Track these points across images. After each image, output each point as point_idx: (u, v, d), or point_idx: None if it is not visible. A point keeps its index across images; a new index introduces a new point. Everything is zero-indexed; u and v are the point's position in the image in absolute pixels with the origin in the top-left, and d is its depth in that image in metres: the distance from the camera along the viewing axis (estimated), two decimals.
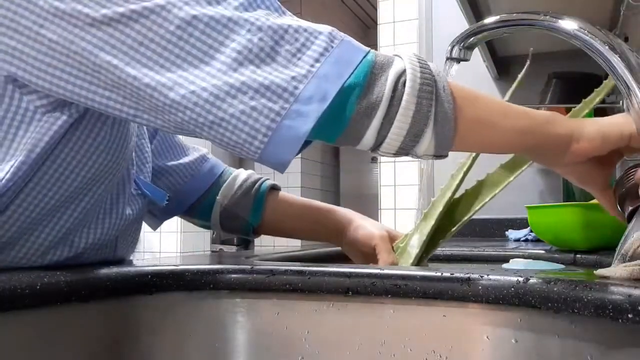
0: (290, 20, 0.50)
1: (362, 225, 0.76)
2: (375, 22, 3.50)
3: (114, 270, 0.51)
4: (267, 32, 0.48)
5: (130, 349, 0.52)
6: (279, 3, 0.52)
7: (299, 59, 0.48)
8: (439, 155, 0.51)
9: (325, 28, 0.51)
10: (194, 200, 0.81)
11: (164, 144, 0.81)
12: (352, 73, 0.49)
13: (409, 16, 2.22)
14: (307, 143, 0.49)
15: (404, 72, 0.49)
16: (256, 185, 0.82)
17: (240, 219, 0.80)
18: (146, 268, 0.53)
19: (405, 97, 0.48)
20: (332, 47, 0.50)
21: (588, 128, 0.54)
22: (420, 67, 0.50)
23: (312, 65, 0.48)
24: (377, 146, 0.50)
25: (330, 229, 0.78)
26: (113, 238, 0.64)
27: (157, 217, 0.82)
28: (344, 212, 0.80)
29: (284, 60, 0.48)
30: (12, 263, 0.55)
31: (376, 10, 2.32)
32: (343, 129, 0.49)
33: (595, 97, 0.67)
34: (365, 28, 5.15)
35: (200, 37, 0.47)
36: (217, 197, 0.81)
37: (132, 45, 0.47)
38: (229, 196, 0.80)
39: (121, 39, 0.47)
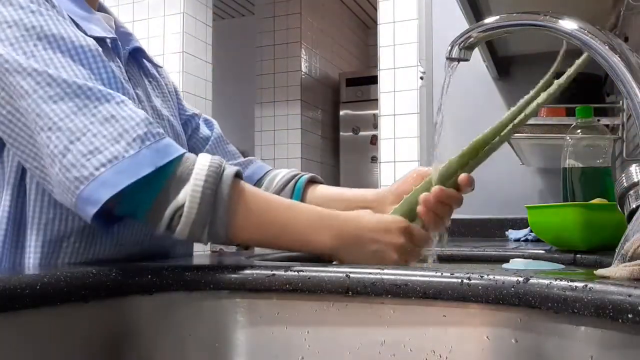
0: (102, 113, 0.57)
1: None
2: (375, 22, 3.50)
3: (114, 270, 0.51)
4: (65, 133, 0.56)
5: (130, 349, 0.52)
6: (103, 92, 0.59)
7: (88, 160, 0.55)
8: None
9: (137, 130, 0.57)
10: None
11: (216, 150, 0.90)
12: (136, 187, 0.55)
13: (409, 16, 2.22)
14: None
15: (182, 206, 0.57)
16: (295, 178, 0.87)
17: None
18: (146, 268, 0.53)
19: (179, 227, 0.58)
20: (125, 156, 0.55)
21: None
22: (201, 197, 0.57)
23: (96, 169, 0.55)
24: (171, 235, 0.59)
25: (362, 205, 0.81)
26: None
27: None
28: (373, 192, 0.83)
29: (73, 159, 0.55)
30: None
31: (376, 10, 2.32)
32: (139, 221, 0.61)
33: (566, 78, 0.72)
34: (365, 28, 5.15)
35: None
36: (262, 186, 0.86)
37: None
38: (270, 189, 0.85)
39: None
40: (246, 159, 0.93)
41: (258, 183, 0.87)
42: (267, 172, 0.90)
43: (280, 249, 0.67)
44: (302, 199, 0.84)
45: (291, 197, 0.84)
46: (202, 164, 0.59)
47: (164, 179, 0.57)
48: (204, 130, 0.92)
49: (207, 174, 0.58)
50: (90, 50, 0.62)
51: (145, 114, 0.59)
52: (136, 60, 0.81)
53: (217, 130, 0.93)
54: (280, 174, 0.88)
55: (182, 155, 0.58)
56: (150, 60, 0.84)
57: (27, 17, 0.59)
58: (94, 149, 0.55)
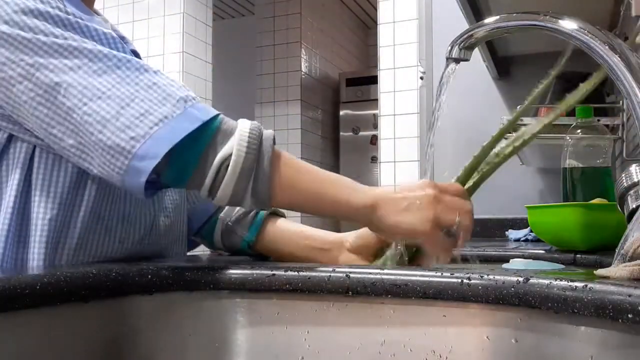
0: (144, 81, 0.60)
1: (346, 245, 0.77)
2: (375, 22, 3.50)
3: (114, 270, 0.51)
4: (115, 100, 0.58)
5: (130, 349, 0.52)
6: (140, 62, 0.62)
7: (141, 121, 0.57)
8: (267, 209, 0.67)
9: (178, 93, 0.60)
10: (203, 221, 0.84)
11: None
12: (185, 144, 0.58)
13: (409, 16, 2.22)
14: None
15: (229, 156, 0.59)
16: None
17: (237, 235, 0.82)
18: (146, 268, 0.53)
19: (225, 180, 0.59)
20: (174, 115, 0.58)
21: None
22: (247, 149, 0.59)
23: (151, 128, 0.57)
24: (212, 198, 0.61)
25: (323, 254, 0.78)
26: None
27: None
28: (334, 236, 0.80)
29: (127, 122, 0.57)
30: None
31: (376, 10, 2.32)
32: (183, 185, 0.62)
33: (583, 89, 0.70)
34: (365, 28, 5.15)
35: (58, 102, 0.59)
36: (220, 215, 0.84)
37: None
38: (231, 214, 0.84)
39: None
40: None
41: (218, 211, 0.84)
42: None
43: (318, 213, 0.66)
44: (261, 230, 0.81)
45: (249, 228, 0.81)
46: (243, 121, 0.62)
47: (210, 133, 0.60)
48: None
49: (251, 129, 0.60)
50: (113, 38, 0.65)
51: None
52: None
53: None
54: None
55: (221, 114, 0.62)
56: None
57: (52, 9, 0.62)
58: (145, 111, 0.58)
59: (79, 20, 0.63)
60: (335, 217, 0.68)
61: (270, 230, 0.81)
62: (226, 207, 0.85)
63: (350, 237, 0.75)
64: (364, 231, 0.73)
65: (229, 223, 0.82)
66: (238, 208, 0.84)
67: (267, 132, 0.62)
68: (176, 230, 0.77)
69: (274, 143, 0.63)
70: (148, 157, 0.56)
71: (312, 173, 0.65)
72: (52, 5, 0.62)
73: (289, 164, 0.63)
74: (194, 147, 0.59)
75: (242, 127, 0.61)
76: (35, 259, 0.62)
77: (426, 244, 0.63)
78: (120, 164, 0.57)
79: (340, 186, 0.64)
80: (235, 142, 0.59)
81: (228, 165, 0.59)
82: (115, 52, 0.61)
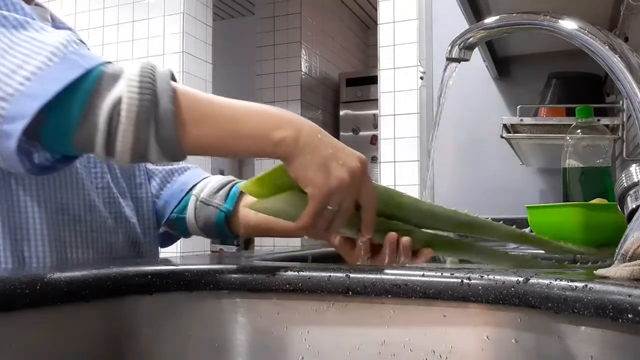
0: (20, 37, 0.52)
1: None
2: (375, 22, 3.50)
3: (114, 270, 0.51)
4: None
5: (130, 349, 0.52)
6: (14, 16, 0.54)
7: (10, 78, 0.50)
8: (177, 159, 0.56)
9: (55, 40, 0.52)
10: (174, 205, 0.83)
11: None
12: (62, 97, 0.49)
13: (409, 16, 2.22)
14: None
15: (119, 101, 0.50)
16: (231, 183, 0.83)
17: (213, 207, 0.80)
18: (146, 268, 0.53)
19: (121, 128, 0.51)
20: (49, 65, 0.50)
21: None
22: (140, 88, 0.51)
23: (21, 84, 0.49)
24: (111, 156, 0.53)
25: None
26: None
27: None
28: None
29: None
30: None
31: (376, 10, 2.32)
32: (69, 145, 0.52)
33: None
34: (365, 28, 5.15)
35: None
36: (193, 192, 0.82)
37: None
38: (204, 189, 0.81)
39: None
40: (184, 165, 0.87)
41: (192, 188, 0.82)
42: (203, 178, 0.86)
43: (236, 153, 0.57)
44: (236, 206, 0.79)
45: (226, 199, 0.79)
46: (131, 65, 0.53)
47: (92, 81, 0.51)
48: None
49: (142, 66, 0.53)
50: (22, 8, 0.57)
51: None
52: None
53: None
54: (216, 178, 0.84)
55: (108, 62, 0.54)
56: None
57: None
58: (16, 67, 0.50)
59: None
60: (255, 156, 0.58)
61: (244, 203, 0.79)
62: (198, 185, 0.82)
63: None
64: None
65: (203, 196, 0.80)
66: (210, 183, 0.82)
67: (163, 69, 0.55)
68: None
69: (174, 80, 0.55)
70: (17, 118, 0.49)
71: (222, 103, 0.56)
72: None
73: (194, 94, 0.55)
74: (74, 99, 0.50)
75: (131, 68, 0.52)
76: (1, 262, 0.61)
77: (312, 199, 0.56)
78: None
79: (260, 116, 0.57)
80: (124, 84, 0.51)
81: (120, 112, 0.50)
82: None
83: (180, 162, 0.82)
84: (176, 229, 0.85)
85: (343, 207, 0.57)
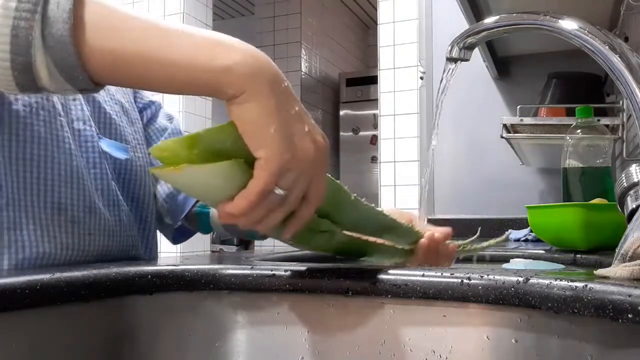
0: None
1: None
2: (375, 22, 3.50)
3: (114, 270, 0.51)
4: None
5: (130, 349, 0.52)
6: None
7: None
8: (84, 89, 0.43)
9: None
10: (192, 204, 0.82)
11: None
12: None
13: (409, 16, 2.22)
14: None
15: None
16: None
17: None
18: (146, 268, 0.53)
19: None
20: None
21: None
22: None
23: None
24: None
25: None
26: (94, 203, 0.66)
27: (167, 228, 0.83)
28: None
29: None
30: None
31: (376, 10, 2.32)
32: None
33: None
34: (365, 28, 5.15)
35: None
36: None
37: None
38: None
39: None
40: None
41: None
42: None
43: (165, 85, 0.43)
44: None
45: None
46: None
47: None
48: (161, 121, 0.85)
49: None
50: None
51: None
52: None
53: (176, 124, 0.86)
54: None
55: None
56: None
57: None
58: None
59: None
60: (192, 90, 0.44)
61: None
62: None
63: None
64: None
65: None
66: None
67: None
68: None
69: None
70: None
71: (150, 20, 0.43)
72: None
73: (107, 5, 0.42)
74: None
75: None
76: None
77: (263, 170, 0.42)
78: None
79: (198, 36, 0.43)
80: None
81: None
82: None
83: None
84: (197, 223, 0.83)
85: (292, 195, 0.44)
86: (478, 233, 0.71)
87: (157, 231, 0.82)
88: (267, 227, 0.46)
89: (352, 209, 0.54)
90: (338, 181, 0.51)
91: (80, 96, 0.69)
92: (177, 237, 0.89)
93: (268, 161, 0.42)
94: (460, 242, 0.71)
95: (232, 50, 0.42)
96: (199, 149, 0.42)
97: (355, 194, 0.53)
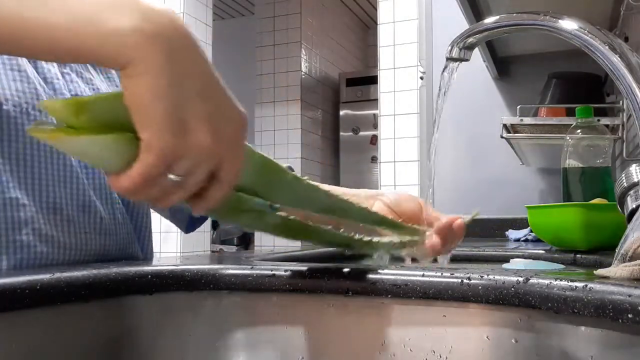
0: None
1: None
2: (375, 22, 3.50)
3: (114, 270, 0.51)
4: None
5: (130, 349, 0.52)
6: None
7: None
8: None
9: None
10: None
11: None
12: None
13: (409, 16, 2.22)
14: None
15: None
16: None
17: None
18: (146, 268, 0.53)
19: None
20: None
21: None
22: None
23: None
24: None
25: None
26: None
27: (180, 217, 0.83)
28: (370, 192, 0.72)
29: None
30: None
31: (376, 10, 2.32)
32: None
33: None
34: (365, 28, 5.15)
35: None
36: None
37: None
38: None
39: None
40: None
41: None
42: None
43: (47, 50, 0.36)
44: None
45: None
46: None
47: None
48: None
49: None
50: None
51: None
52: None
53: None
54: None
55: None
56: None
57: None
58: None
59: None
60: (78, 57, 0.37)
61: None
62: None
63: (388, 195, 0.68)
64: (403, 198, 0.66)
65: None
66: None
67: None
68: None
69: None
70: None
71: None
72: None
73: None
74: None
75: None
76: None
77: (146, 154, 0.37)
78: None
79: None
80: None
81: None
82: None
83: None
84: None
85: (189, 181, 0.40)
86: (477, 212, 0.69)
87: (151, 230, 0.82)
88: (168, 205, 0.41)
89: (287, 187, 0.50)
90: (271, 157, 0.48)
91: (69, 93, 0.69)
92: (189, 225, 0.86)
93: (150, 145, 0.36)
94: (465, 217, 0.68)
95: (124, 11, 0.35)
96: (87, 116, 0.37)
97: (294, 173, 0.50)
